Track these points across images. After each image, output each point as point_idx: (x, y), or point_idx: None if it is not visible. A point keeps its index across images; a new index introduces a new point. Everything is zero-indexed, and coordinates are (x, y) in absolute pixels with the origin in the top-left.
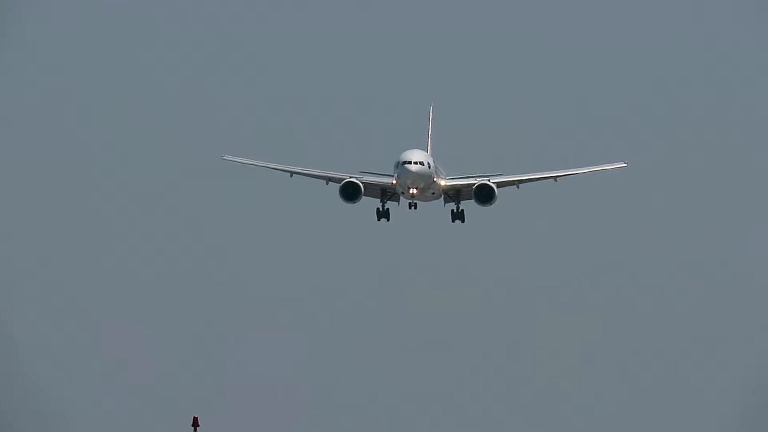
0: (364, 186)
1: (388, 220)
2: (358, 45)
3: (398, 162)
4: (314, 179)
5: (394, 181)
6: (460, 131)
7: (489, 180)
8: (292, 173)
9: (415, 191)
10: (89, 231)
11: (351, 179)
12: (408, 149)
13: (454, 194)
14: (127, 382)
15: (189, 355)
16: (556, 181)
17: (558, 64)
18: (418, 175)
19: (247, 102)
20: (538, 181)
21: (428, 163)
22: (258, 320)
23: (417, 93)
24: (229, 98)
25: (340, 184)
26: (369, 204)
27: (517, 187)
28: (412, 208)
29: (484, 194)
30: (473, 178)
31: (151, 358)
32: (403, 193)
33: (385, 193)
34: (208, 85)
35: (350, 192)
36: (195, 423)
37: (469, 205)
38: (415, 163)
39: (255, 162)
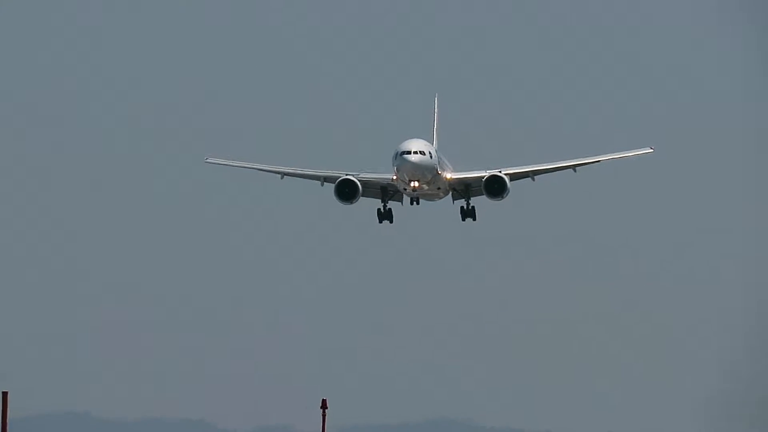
0: (362, 184)
1: (391, 222)
2: (351, 36)
3: (396, 152)
4: (308, 180)
5: (395, 176)
6: (469, 123)
7: (500, 171)
8: (282, 174)
9: (416, 185)
10: (77, 233)
11: (347, 177)
12: (407, 139)
13: (463, 189)
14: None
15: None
16: (575, 171)
17: (572, 51)
18: (419, 166)
19: (239, 101)
20: (556, 172)
21: (430, 153)
22: (249, 336)
23: (421, 83)
24: (222, 97)
25: (334, 183)
26: (370, 205)
27: (533, 179)
28: (414, 203)
29: (496, 187)
30: (484, 171)
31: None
32: (405, 189)
33: (387, 192)
34: (196, 85)
35: (346, 191)
36: (324, 405)
37: (480, 201)
38: (415, 152)
39: (241, 163)
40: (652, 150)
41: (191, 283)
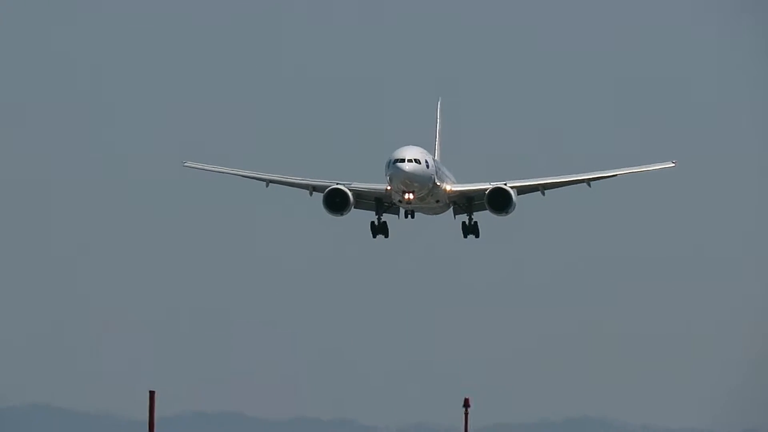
0: (354, 194)
1: (386, 236)
2: (351, 38)
3: (390, 160)
4: (295, 189)
5: (389, 187)
6: (476, 132)
7: (506, 183)
8: (268, 182)
9: (411, 196)
10: (58, 239)
11: (337, 186)
12: (402, 146)
13: (465, 203)
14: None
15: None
16: (590, 185)
17: (583, 60)
18: (413, 175)
19: (234, 104)
20: (568, 186)
21: (426, 162)
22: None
23: (425, 88)
24: (215, 100)
25: (323, 193)
26: (364, 218)
27: (543, 193)
28: (408, 216)
29: (500, 200)
30: (488, 183)
31: None
32: (400, 201)
33: (381, 204)
34: (183, 87)
35: (336, 201)
36: (466, 404)
37: (483, 217)
38: (410, 161)
39: (221, 168)
40: (674, 164)
41: (181, 287)
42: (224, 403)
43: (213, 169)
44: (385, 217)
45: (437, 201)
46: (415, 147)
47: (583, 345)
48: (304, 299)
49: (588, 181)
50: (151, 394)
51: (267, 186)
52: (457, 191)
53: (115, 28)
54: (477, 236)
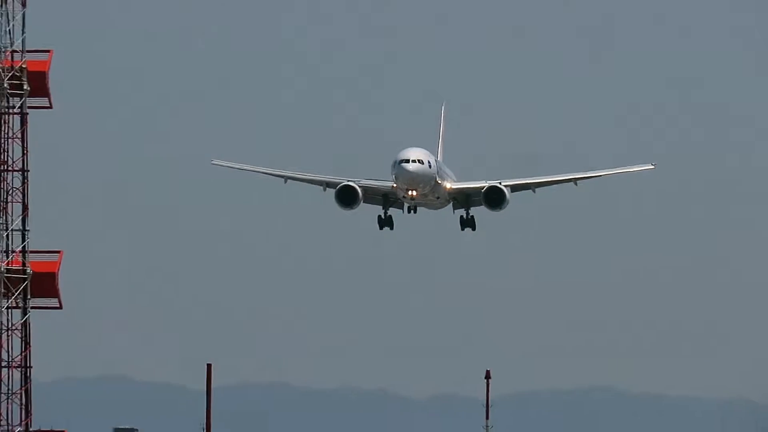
0: (363, 190)
1: (391, 228)
2: (359, 43)
3: (395, 161)
4: (311, 185)
5: (395, 184)
6: (476, 135)
7: (500, 182)
8: (286, 178)
9: (414, 193)
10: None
11: (347, 183)
12: (407, 147)
13: (463, 199)
14: None
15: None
16: (576, 184)
17: (576, 67)
18: (416, 175)
19: (246, 106)
20: (557, 185)
21: (429, 162)
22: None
23: (431, 94)
24: (228, 102)
25: (335, 189)
26: (371, 211)
27: (533, 191)
28: (411, 212)
29: (495, 197)
30: (484, 182)
31: None
32: (404, 197)
33: (387, 199)
34: (201, 89)
35: (347, 197)
36: (487, 375)
37: (480, 212)
38: (413, 161)
39: (246, 166)
40: (653, 166)
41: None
42: (274, 374)
43: (238, 166)
44: (391, 211)
45: (438, 197)
46: (418, 148)
47: (568, 322)
48: (325, 284)
49: (575, 180)
50: (209, 366)
51: (285, 182)
52: (456, 189)
53: (145, 26)
54: (473, 229)
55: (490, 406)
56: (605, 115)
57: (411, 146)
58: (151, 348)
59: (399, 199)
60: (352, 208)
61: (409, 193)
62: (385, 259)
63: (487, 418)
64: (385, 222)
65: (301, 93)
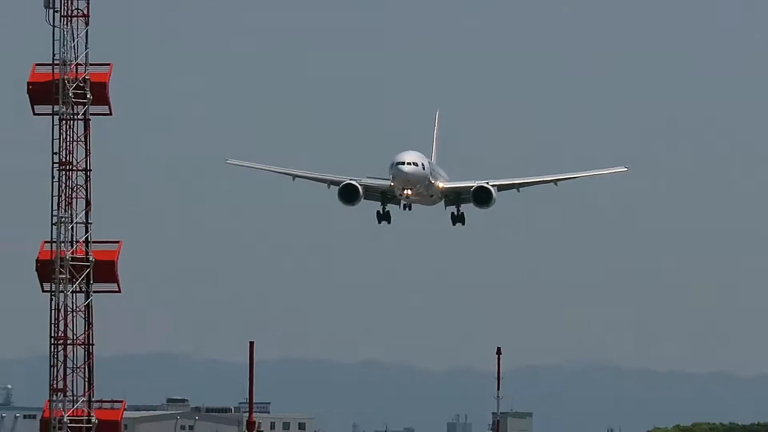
0: (363, 188)
1: (389, 222)
2: (366, 49)
3: (392, 163)
4: (316, 183)
5: (392, 183)
6: (467, 139)
7: (488, 183)
8: (294, 176)
9: (409, 192)
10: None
11: (349, 182)
12: (404, 150)
13: (454, 197)
14: None
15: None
16: (556, 184)
17: (562, 72)
18: (411, 176)
19: (255, 107)
20: (539, 185)
21: (422, 164)
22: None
23: (423, 99)
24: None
25: (338, 187)
26: (371, 207)
27: (518, 190)
28: (406, 209)
29: (482, 196)
30: (474, 182)
31: None
32: (400, 195)
33: (386, 196)
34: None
35: (348, 194)
36: (498, 351)
37: (469, 209)
38: (408, 163)
39: (258, 165)
40: (626, 169)
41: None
42: (310, 350)
43: (251, 165)
44: (389, 207)
45: (431, 195)
46: (413, 152)
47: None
48: (336, 271)
49: (555, 181)
50: (251, 344)
51: (293, 180)
52: (447, 188)
53: (158, 30)
54: (463, 224)
55: (500, 378)
56: (594, 119)
57: (408, 149)
58: (199, 327)
59: (396, 196)
60: (353, 204)
61: (405, 191)
62: (379, 250)
63: (498, 389)
64: (383, 217)
65: (312, 97)
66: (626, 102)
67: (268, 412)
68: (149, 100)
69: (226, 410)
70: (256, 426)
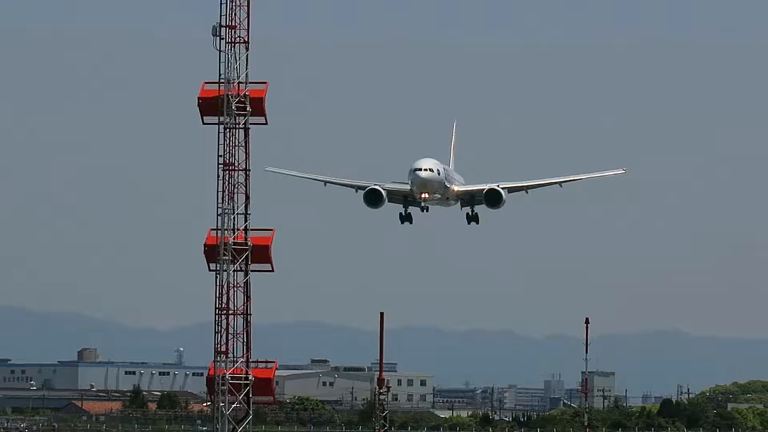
0: (387, 193)
1: (411, 223)
2: (387, 63)
3: (411, 169)
4: (345, 188)
5: (411, 188)
6: (482, 146)
7: (498, 185)
8: (325, 182)
9: (426, 196)
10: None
11: (374, 187)
12: (422, 158)
13: (469, 199)
14: None
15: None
16: (561, 186)
17: (566, 81)
18: (428, 181)
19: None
20: (545, 187)
21: (438, 171)
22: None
23: (443, 112)
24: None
25: (363, 191)
26: (394, 209)
27: (526, 192)
28: (424, 210)
29: (493, 198)
30: (485, 185)
31: None
32: (418, 198)
33: (407, 199)
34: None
35: (373, 198)
36: (587, 321)
37: (482, 209)
38: (425, 170)
39: (294, 172)
40: (624, 171)
41: None
42: (426, 320)
43: (288, 172)
44: (410, 209)
45: (447, 198)
46: (430, 159)
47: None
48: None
49: (560, 183)
50: (381, 314)
51: (325, 185)
52: (462, 191)
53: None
54: (477, 223)
55: (588, 343)
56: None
57: (426, 156)
58: (337, 301)
59: (415, 199)
60: (377, 207)
61: (422, 195)
62: (402, 247)
63: (587, 352)
64: (405, 218)
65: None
66: (630, 105)
67: (396, 371)
68: (301, 111)
69: (361, 369)
70: (385, 382)
